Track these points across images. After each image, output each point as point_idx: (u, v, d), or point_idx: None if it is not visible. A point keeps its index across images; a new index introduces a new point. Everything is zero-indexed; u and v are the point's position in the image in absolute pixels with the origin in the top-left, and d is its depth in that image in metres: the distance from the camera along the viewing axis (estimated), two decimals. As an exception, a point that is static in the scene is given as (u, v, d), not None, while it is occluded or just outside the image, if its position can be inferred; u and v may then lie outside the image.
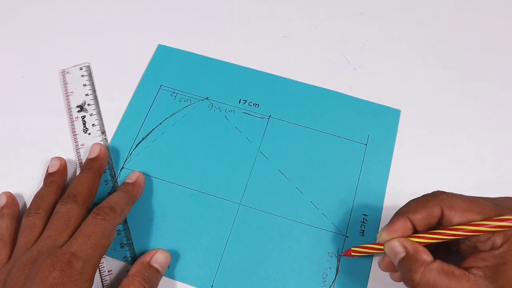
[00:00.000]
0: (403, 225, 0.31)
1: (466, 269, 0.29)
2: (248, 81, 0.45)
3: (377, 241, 0.33)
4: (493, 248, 0.28)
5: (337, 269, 0.37)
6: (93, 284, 0.32)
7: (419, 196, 0.32)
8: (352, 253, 0.36)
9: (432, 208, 0.30)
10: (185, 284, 0.37)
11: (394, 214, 0.32)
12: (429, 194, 0.31)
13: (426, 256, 0.29)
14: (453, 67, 0.46)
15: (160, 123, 0.43)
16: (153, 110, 0.44)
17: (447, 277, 0.28)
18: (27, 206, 0.38)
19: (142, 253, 0.36)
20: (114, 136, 0.43)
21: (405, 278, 0.30)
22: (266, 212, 0.39)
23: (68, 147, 0.42)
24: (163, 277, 0.36)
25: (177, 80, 0.45)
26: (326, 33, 0.48)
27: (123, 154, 0.42)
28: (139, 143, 0.42)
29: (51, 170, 0.39)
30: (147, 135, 0.43)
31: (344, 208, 0.39)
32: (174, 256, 0.37)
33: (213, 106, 0.44)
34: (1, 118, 0.44)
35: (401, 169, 0.41)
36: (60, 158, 0.40)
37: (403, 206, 0.32)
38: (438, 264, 0.29)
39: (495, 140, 0.42)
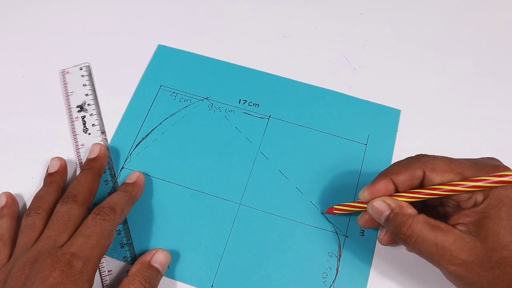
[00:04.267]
0: (385, 186, 0.32)
1: (453, 226, 0.30)
2: (248, 81, 0.45)
3: (359, 200, 0.34)
4: (475, 205, 0.30)
5: (337, 269, 0.37)
6: (93, 284, 0.32)
7: (403, 159, 0.33)
8: (335, 211, 0.37)
9: (414, 170, 0.31)
10: (185, 284, 0.37)
11: (378, 175, 0.33)
12: (412, 156, 0.33)
13: (411, 210, 0.31)
14: (453, 67, 0.46)
15: (160, 123, 0.43)
16: (153, 110, 0.44)
17: (433, 229, 0.30)
18: (27, 206, 0.38)
19: (142, 253, 0.36)
20: (114, 136, 0.43)
21: (394, 234, 0.31)
22: (266, 212, 0.39)
23: (68, 147, 0.42)
24: (163, 277, 0.36)
25: (177, 80, 0.45)
26: (326, 33, 0.48)
27: (123, 154, 0.42)
28: (139, 143, 0.42)
29: (51, 170, 0.39)
30: (147, 135, 0.43)
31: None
32: (174, 256, 0.37)
33: (213, 106, 0.44)
34: (1, 118, 0.44)
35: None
36: (60, 158, 0.40)
37: (387, 168, 0.33)
38: (423, 217, 0.31)
39: (495, 140, 0.42)
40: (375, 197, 0.33)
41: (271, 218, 0.39)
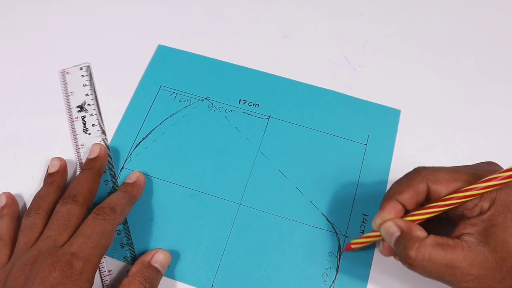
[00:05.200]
0: (394, 208, 0.31)
1: (458, 237, 0.29)
2: (248, 81, 0.45)
3: (373, 230, 0.33)
4: (481, 213, 0.29)
5: (337, 269, 0.37)
6: (93, 284, 0.32)
7: (401, 176, 0.32)
8: (352, 246, 0.36)
9: (417, 185, 0.30)
10: (185, 284, 0.37)
11: (383, 199, 0.32)
12: (411, 172, 0.32)
13: (420, 232, 0.30)
14: (453, 67, 0.46)
15: (160, 123, 0.43)
16: (153, 110, 0.44)
17: (442, 249, 0.28)
18: (27, 206, 0.38)
19: (142, 253, 0.36)
20: (114, 136, 0.43)
21: (401, 256, 0.30)
22: (266, 212, 0.39)
23: (68, 147, 0.42)
24: (163, 277, 0.36)
25: (177, 80, 0.45)
26: (326, 33, 0.48)
27: (123, 154, 0.42)
28: (139, 143, 0.42)
29: (51, 170, 0.39)
30: (147, 135, 0.43)
31: (344, 208, 0.39)
32: (174, 256, 0.37)
33: (213, 106, 0.44)
34: (1, 118, 0.44)
35: (401, 169, 0.40)
36: (60, 158, 0.40)
37: (389, 189, 0.32)
38: (432, 238, 0.29)
39: (495, 140, 0.42)
40: (387, 220, 0.31)
41: (271, 218, 0.39)
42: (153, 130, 0.43)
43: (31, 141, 0.43)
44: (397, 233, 0.30)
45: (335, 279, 0.36)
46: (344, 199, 0.39)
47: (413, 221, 0.31)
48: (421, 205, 0.31)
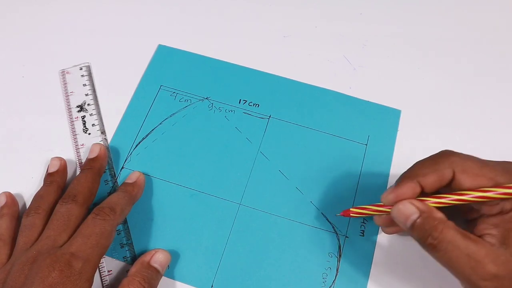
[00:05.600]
0: (412, 189, 0.30)
1: (479, 236, 0.28)
2: (248, 81, 0.45)
3: (381, 202, 0.32)
4: (502, 212, 0.28)
5: (337, 270, 0.37)
6: (93, 284, 0.32)
7: (426, 157, 0.31)
8: (351, 214, 0.35)
9: (443, 170, 0.29)
10: (185, 284, 0.37)
11: (401, 176, 0.31)
12: (438, 154, 0.30)
13: (441, 214, 0.28)
14: (453, 67, 0.46)
15: (160, 123, 0.43)
16: (153, 110, 0.44)
17: (465, 238, 0.27)
18: (27, 206, 0.37)
19: (142, 253, 0.36)
20: (114, 136, 0.43)
21: (421, 240, 0.28)
22: (266, 212, 0.39)
23: (68, 147, 0.42)
24: (163, 277, 0.36)
25: (177, 80, 0.45)
26: (326, 33, 0.48)
27: (123, 154, 0.42)
28: (139, 143, 0.42)
29: (51, 170, 0.39)
30: (147, 135, 0.43)
31: (344, 208, 0.39)
32: (174, 256, 0.37)
33: (213, 106, 0.44)
34: (1, 118, 0.44)
35: (401, 169, 0.40)
36: (60, 158, 0.40)
37: (411, 168, 0.31)
38: (454, 224, 0.28)
39: (495, 140, 0.42)
40: (401, 201, 0.30)
41: (271, 218, 0.39)
42: (153, 130, 0.43)
43: (31, 141, 0.43)
44: (416, 215, 0.29)
45: (335, 280, 0.36)
46: (344, 199, 0.39)
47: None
48: (438, 193, 0.30)
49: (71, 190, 0.36)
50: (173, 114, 0.43)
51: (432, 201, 0.29)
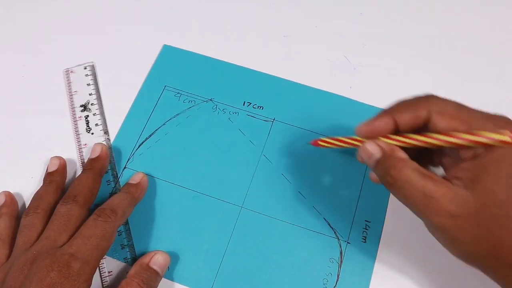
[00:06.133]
0: (386, 124, 0.30)
1: (447, 180, 0.28)
2: (253, 83, 0.45)
3: (356, 134, 0.32)
4: (475, 157, 0.27)
5: (337, 275, 0.36)
6: (93, 285, 0.32)
7: (410, 97, 0.31)
8: (320, 142, 0.36)
9: (419, 109, 0.29)
10: (185, 286, 0.37)
11: (380, 112, 0.31)
12: (420, 95, 0.30)
13: (403, 154, 0.29)
14: (453, 67, 0.46)
15: (164, 124, 0.43)
16: (157, 111, 0.44)
17: (424, 177, 0.27)
18: (27, 206, 0.37)
19: (143, 254, 0.36)
20: (117, 136, 0.42)
21: (382, 177, 0.29)
22: (268, 215, 0.39)
23: (69, 146, 0.42)
24: (163, 278, 0.36)
25: (182, 81, 0.45)
26: (326, 33, 0.48)
27: (125, 154, 0.42)
28: (142, 143, 0.42)
29: (51, 169, 0.39)
30: (150, 136, 0.42)
31: (346, 214, 0.39)
32: (174, 257, 0.37)
33: (217, 107, 0.44)
34: (4, 117, 0.44)
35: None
36: (59, 158, 0.40)
37: (391, 105, 0.31)
38: (415, 164, 0.28)
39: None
40: (373, 134, 0.31)
41: (273, 222, 0.39)
42: (156, 130, 0.43)
43: (33, 140, 0.43)
44: (378, 154, 0.30)
45: (335, 286, 0.36)
46: (346, 205, 0.39)
47: (395, 145, 0.30)
48: (414, 132, 0.30)
49: (71, 191, 0.36)
50: (177, 115, 0.43)
51: (399, 139, 0.30)
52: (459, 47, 0.47)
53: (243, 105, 0.44)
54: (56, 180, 0.38)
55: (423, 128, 0.30)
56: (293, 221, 0.38)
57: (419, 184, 0.27)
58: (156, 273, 0.35)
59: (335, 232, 0.38)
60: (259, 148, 0.42)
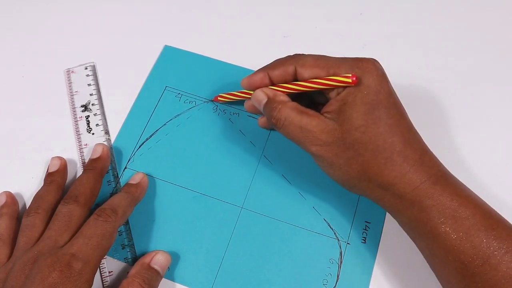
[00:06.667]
0: (261, 79, 0.36)
1: (321, 115, 0.33)
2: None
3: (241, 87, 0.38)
4: (338, 94, 0.33)
5: (337, 276, 0.37)
6: (94, 285, 0.32)
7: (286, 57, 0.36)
8: (219, 98, 0.42)
9: (288, 66, 0.35)
10: (185, 286, 0.37)
11: (258, 69, 0.37)
12: (290, 55, 0.36)
13: (283, 97, 0.35)
14: (453, 67, 0.46)
15: (164, 124, 0.43)
16: (157, 111, 0.44)
17: (300, 114, 0.33)
18: (27, 206, 0.38)
19: (143, 254, 0.36)
20: (117, 136, 0.43)
21: (267, 117, 0.35)
22: (268, 216, 0.39)
23: (69, 147, 0.42)
24: (163, 278, 0.36)
25: (183, 81, 0.45)
26: (326, 33, 0.48)
27: (126, 154, 0.42)
28: (142, 143, 0.42)
29: (51, 169, 0.39)
30: (150, 136, 0.43)
31: (346, 215, 0.39)
32: (175, 257, 0.37)
33: (217, 108, 0.44)
34: (5, 117, 0.44)
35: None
36: (60, 158, 0.40)
37: (269, 63, 0.37)
38: (294, 104, 0.34)
39: (495, 141, 0.42)
40: (253, 86, 0.37)
41: (273, 223, 0.39)
42: (157, 131, 0.43)
43: (34, 141, 0.43)
44: (265, 99, 0.35)
45: (335, 286, 0.36)
46: (346, 206, 0.39)
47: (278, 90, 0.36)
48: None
49: (72, 191, 0.36)
50: (178, 115, 0.43)
51: (279, 89, 0.36)
52: (459, 47, 0.47)
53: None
54: (57, 180, 0.38)
55: (294, 81, 0.35)
56: (293, 221, 0.39)
57: (296, 119, 0.33)
58: (157, 273, 0.35)
59: (335, 233, 0.38)
60: (260, 149, 0.42)
